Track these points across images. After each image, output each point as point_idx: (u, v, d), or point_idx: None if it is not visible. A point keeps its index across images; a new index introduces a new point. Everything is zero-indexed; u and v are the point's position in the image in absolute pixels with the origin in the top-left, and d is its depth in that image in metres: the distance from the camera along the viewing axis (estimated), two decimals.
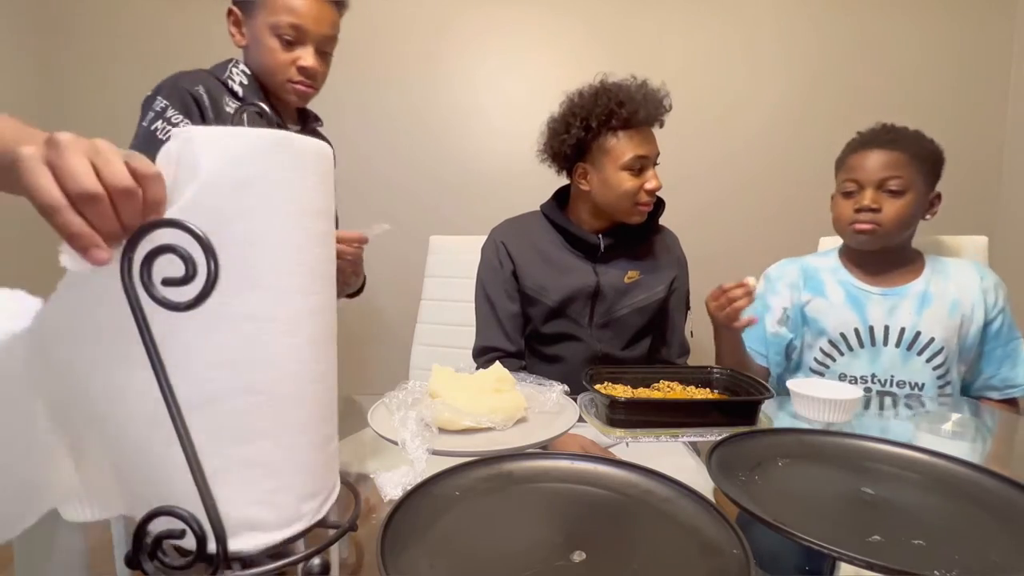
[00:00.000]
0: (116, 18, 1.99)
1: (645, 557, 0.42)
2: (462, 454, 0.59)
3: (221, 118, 0.93)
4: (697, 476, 0.61)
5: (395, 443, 0.61)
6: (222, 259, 0.32)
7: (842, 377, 1.10)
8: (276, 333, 0.39)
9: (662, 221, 1.22)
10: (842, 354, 1.11)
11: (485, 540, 0.44)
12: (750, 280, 0.96)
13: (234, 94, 0.98)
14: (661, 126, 1.10)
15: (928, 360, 1.06)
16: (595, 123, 1.05)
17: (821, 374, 1.13)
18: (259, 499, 0.39)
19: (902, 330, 1.07)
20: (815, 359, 1.14)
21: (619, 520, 0.48)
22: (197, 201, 0.35)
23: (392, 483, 0.53)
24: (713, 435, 0.70)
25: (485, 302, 1.16)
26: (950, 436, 0.87)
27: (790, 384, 0.83)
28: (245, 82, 0.99)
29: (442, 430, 0.67)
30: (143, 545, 0.36)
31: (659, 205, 1.17)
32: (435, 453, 0.60)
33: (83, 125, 2.02)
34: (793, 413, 0.83)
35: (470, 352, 1.18)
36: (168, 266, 0.32)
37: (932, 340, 1.05)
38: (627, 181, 1.06)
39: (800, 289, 1.17)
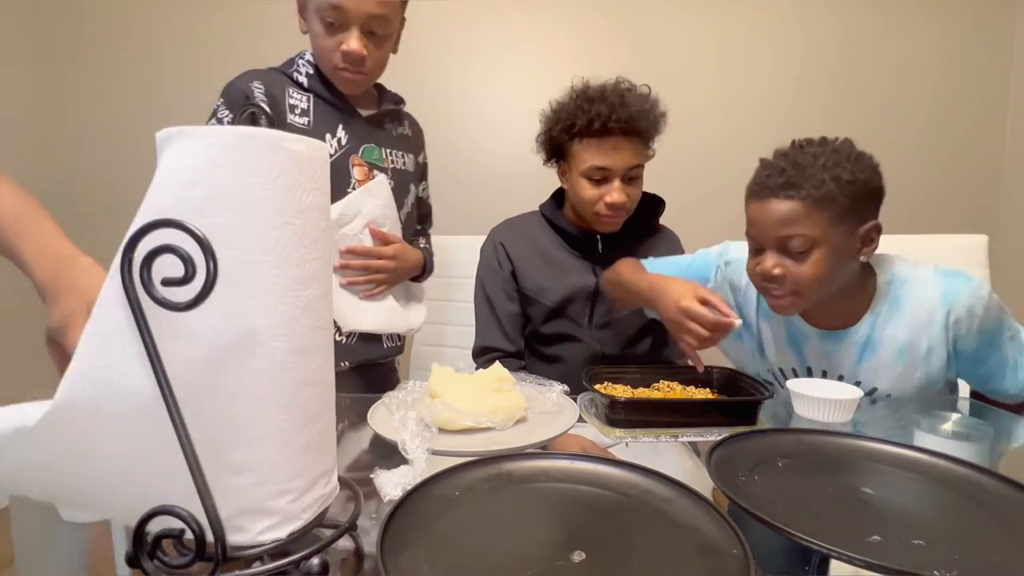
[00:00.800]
0: (115, 17, 1.99)
1: (645, 557, 0.42)
2: (462, 454, 0.59)
3: (279, 109, 0.91)
4: (697, 476, 0.61)
5: (395, 443, 0.62)
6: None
7: None
8: (263, 334, 0.38)
9: (663, 221, 1.22)
10: (782, 387, 0.95)
11: (485, 540, 0.44)
12: (737, 323, 0.80)
13: (299, 85, 0.95)
14: (650, 137, 1.05)
15: (872, 403, 0.92)
16: (558, 128, 1.05)
17: None
18: (256, 498, 0.39)
19: (840, 378, 0.93)
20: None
21: (619, 520, 0.48)
22: (160, 201, 0.34)
23: (392, 483, 0.53)
24: (713, 435, 0.70)
25: (484, 302, 1.16)
26: (950, 436, 0.87)
27: (790, 384, 0.83)
28: (311, 71, 0.96)
29: (442, 430, 0.67)
30: (143, 544, 0.36)
31: (659, 205, 1.17)
32: (435, 453, 0.60)
33: (81, 122, 2.02)
34: (792, 414, 0.83)
35: (470, 352, 1.18)
36: (166, 266, 0.32)
37: (875, 390, 0.92)
38: (586, 190, 1.04)
39: (748, 298, 1.01)
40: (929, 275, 0.90)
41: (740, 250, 1.00)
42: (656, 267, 1.03)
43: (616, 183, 1.02)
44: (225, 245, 0.35)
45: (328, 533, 0.44)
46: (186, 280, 0.32)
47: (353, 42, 0.89)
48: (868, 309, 0.90)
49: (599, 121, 0.99)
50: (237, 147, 0.36)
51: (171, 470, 0.36)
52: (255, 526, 0.40)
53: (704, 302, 0.82)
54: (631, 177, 1.04)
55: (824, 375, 0.95)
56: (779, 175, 0.83)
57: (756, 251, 0.88)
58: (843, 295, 0.90)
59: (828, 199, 0.80)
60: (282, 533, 0.41)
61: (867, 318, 0.90)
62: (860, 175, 0.82)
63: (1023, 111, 1.83)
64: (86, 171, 2.05)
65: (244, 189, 0.37)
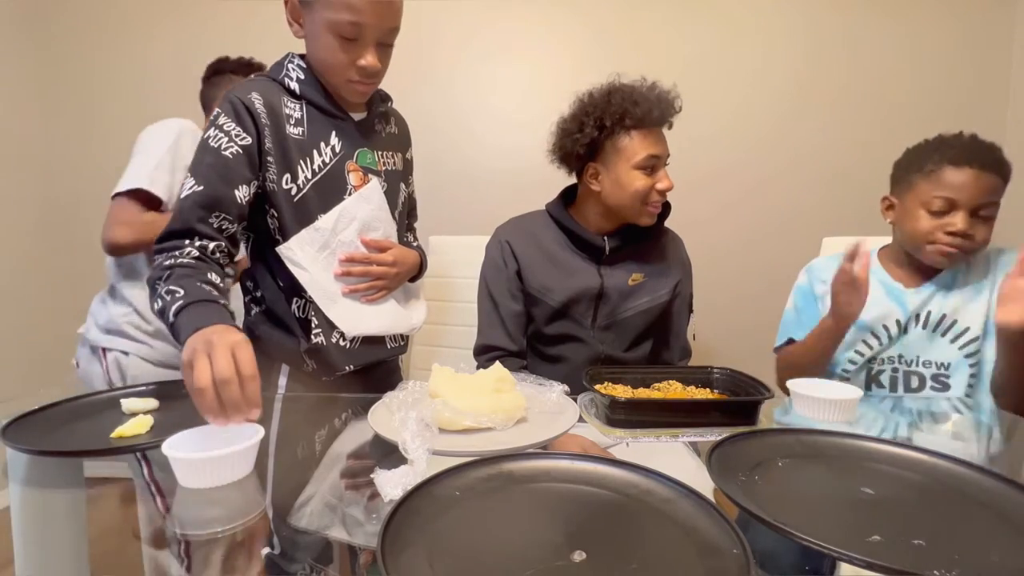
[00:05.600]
0: (115, 14, 2.00)
1: (645, 557, 0.42)
2: (462, 454, 0.59)
3: (278, 121, 0.90)
4: (697, 476, 0.61)
5: (395, 443, 0.62)
6: None
7: (870, 361, 1.10)
8: None
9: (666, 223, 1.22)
10: (881, 344, 1.09)
11: (485, 540, 0.44)
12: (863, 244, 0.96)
13: (291, 92, 0.93)
14: (670, 127, 1.10)
15: (953, 340, 1.05)
16: (609, 122, 1.05)
17: (855, 363, 1.12)
18: None
19: (929, 313, 1.06)
20: (856, 351, 1.11)
21: (619, 520, 0.48)
22: None
23: (392, 483, 0.53)
24: (713, 435, 0.70)
25: (488, 300, 1.16)
26: (950, 436, 0.87)
27: (790, 384, 0.83)
28: (302, 77, 0.94)
29: (442, 430, 0.67)
30: None
31: (665, 208, 1.17)
32: (435, 453, 0.60)
33: (80, 119, 2.02)
34: (793, 414, 0.83)
35: (470, 352, 1.18)
36: None
37: (955, 322, 1.05)
38: (639, 180, 1.06)
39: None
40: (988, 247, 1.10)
41: (821, 264, 1.20)
42: (794, 322, 1.17)
43: (664, 170, 1.08)
44: None
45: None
46: None
47: (371, 57, 0.89)
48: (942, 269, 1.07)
49: (656, 110, 1.04)
50: None
51: None
52: None
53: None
54: (666, 164, 1.10)
55: (928, 315, 1.07)
56: (988, 152, 1.00)
57: (940, 213, 1.01)
58: None
59: (1005, 180, 1.00)
60: None
61: (947, 271, 1.07)
62: (1010, 167, 1.02)
63: (1023, 111, 1.83)
64: (85, 168, 2.05)
65: None
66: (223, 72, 1.37)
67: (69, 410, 0.75)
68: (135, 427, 0.68)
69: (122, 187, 1.18)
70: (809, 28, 1.89)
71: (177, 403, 0.79)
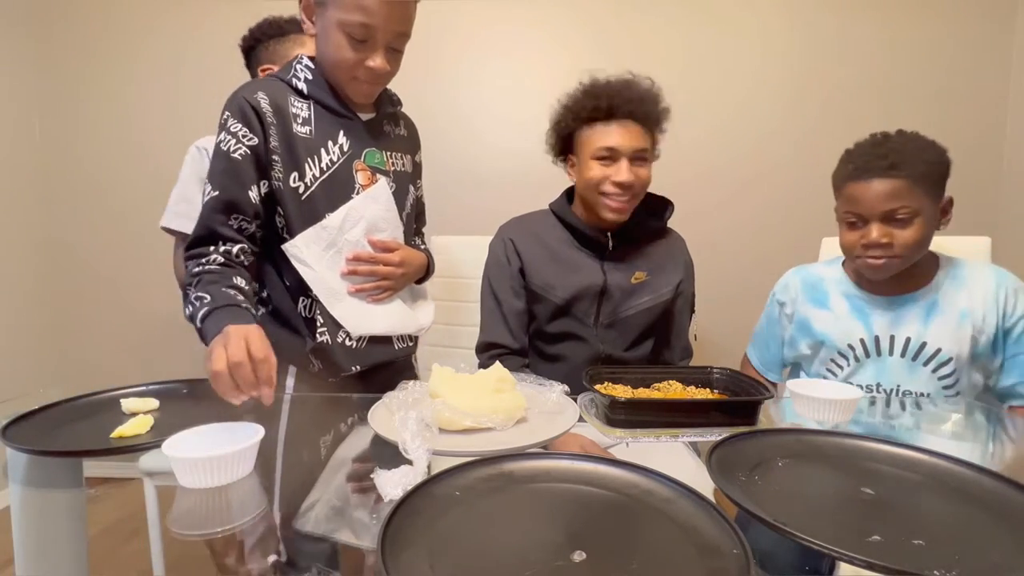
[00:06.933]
0: (115, 12, 2.00)
1: (645, 557, 0.42)
2: (462, 454, 0.59)
3: (284, 120, 0.91)
4: (697, 476, 0.61)
5: (396, 443, 0.62)
6: None
7: None
8: None
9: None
10: (849, 364, 1.07)
11: (485, 540, 0.44)
12: None
13: (299, 92, 0.94)
14: (655, 125, 1.10)
15: (934, 371, 1.02)
16: (568, 119, 1.10)
17: None
18: None
19: (907, 340, 1.03)
20: (826, 368, 1.11)
21: (619, 520, 0.48)
22: None
23: (392, 483, 0.53)
24: (713, 435, 0.70)
25: (491, 298, 1.16)
26: (950, 436, 0.87)
27: (790, 384, 0.83)
28: (310, 77, 0.95)
29: (442, 430, 0.67)
30: None
31: (667, 207, 1.17)
32: (435, 453, 0.60)
33: (82, 117, 2.02)
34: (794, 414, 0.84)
35: (471, 352, 1.18)
36: None
37: (939, 351, 1.01)
38: (594, 169, 1.07)
39: (801, 301, 1.14)
40: (980, 263, 1.08)
41: (783, 281, 1.20)
42: (761, 337, 1.23)
43: (624, 163, 1.06)
44: None
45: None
46: None
47: (379, 60, 0.91)
48: (931, 279, 1.05)
49: (605, 101, 1.05)
50: None
51: None
52: None
53: None
54: (638, 158, 1.08)
55: (892, 340, 1.04)
56: (882, 159, 0.97)
57: (854, 225, 1.02)
58: (910, 268, 1.04)
59: (925, 175, 0.96)
60: None
61: (932, 284, 1.04)
62: (941, 157, 0.99)
63: (1023, 111, 1.83)
64: (85, 169, 2.05)
65: None
66: (255, 48, 1.29)
67: (69, 410, 0.75)
68: (135, 427, 0.68)
69: None
70: (808, 28, 1.89)
71: (177, 403, 0.80)
